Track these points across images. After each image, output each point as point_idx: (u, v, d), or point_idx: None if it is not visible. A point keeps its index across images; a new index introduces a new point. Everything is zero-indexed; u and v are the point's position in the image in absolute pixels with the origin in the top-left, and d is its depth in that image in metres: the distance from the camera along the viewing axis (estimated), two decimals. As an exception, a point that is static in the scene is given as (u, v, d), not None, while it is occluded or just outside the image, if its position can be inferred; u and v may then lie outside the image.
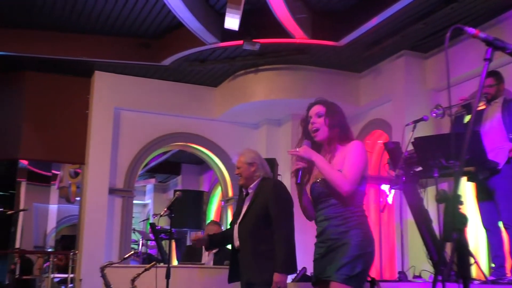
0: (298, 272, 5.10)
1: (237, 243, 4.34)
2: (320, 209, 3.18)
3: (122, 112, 9.29)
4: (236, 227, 4.37)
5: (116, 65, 8.88)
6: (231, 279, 4.50)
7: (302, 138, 3.28)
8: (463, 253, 2.00)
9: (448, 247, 2.11)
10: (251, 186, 4.37)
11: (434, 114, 5.57)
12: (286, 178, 8.84)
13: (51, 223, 13.84)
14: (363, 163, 3.11)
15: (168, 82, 9.48)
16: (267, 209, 4.21)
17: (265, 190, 4.30)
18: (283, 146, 9.31)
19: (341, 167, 3.10)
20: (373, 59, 8.42)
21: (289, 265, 4.16)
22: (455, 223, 1.97)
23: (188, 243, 11.22)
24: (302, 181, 3.17)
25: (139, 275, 4.71)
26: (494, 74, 5.37)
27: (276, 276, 4.05)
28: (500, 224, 5.28)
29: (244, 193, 4.45)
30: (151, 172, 14.90)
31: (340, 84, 8.75)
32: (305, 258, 5.39)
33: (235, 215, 4.48)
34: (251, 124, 9.93)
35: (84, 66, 8.91)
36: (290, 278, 4.79)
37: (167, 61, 8.43)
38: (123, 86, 9.23)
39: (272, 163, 7.07)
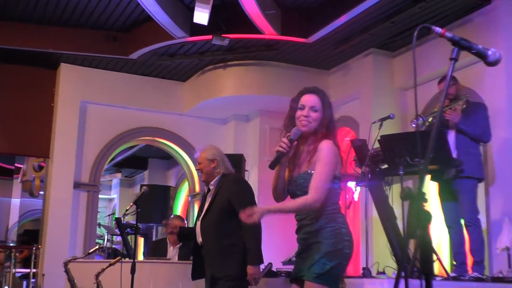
0: (264, 267, 5.11)
1: (200, 239, 4.34)
2: None
3: (89, 106, 9.16)
4: (198, 223, 4.37)
5: (82, 58, 8.75)
6: (194, 277, 4.49)
7: (289, 123, 3.17)
8: (426, 250, 2.02)
9: (412, 244, 2.13)
10: (212, 182, 4.39)
11: (414, 125, 5.62)
12: (253, 174, 8.86)
13: (14, 217, 13.62)
14: (332, 167, 3.07)
15: (136, 76, 9.38)
16: (229, 204, 4.23)
17: (226, 185, 4.32)
18: (251, 142, 9.32)
19: (308, 168, 3.09)
20: (342, 57, 8.47)
21: (260, 257, 4.24)
22: (419, 220, 1.99)
23: (155, 238, 11.16)
24: (276, 164, 3.11)
25: (103, 270, 4.67)
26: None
27: (250, 269, 4.13)
28: (462, 222, 5.37)
29: (206, 190, 4.47)
30: (118, 166, 14.76)
31: (309, 80, 8.71)
32: (271, 253, 5.40)
33: (198, 212, 4.49)
34: (219, 120, 9.90)
35: (50, 58, 8.76)
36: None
37: (135, 55, 8.35)
38: (89, 79, 9.09)
39: (240, 158, 7.08)
